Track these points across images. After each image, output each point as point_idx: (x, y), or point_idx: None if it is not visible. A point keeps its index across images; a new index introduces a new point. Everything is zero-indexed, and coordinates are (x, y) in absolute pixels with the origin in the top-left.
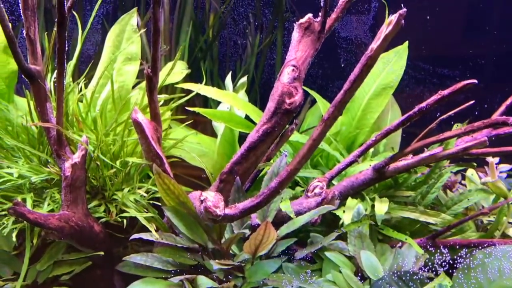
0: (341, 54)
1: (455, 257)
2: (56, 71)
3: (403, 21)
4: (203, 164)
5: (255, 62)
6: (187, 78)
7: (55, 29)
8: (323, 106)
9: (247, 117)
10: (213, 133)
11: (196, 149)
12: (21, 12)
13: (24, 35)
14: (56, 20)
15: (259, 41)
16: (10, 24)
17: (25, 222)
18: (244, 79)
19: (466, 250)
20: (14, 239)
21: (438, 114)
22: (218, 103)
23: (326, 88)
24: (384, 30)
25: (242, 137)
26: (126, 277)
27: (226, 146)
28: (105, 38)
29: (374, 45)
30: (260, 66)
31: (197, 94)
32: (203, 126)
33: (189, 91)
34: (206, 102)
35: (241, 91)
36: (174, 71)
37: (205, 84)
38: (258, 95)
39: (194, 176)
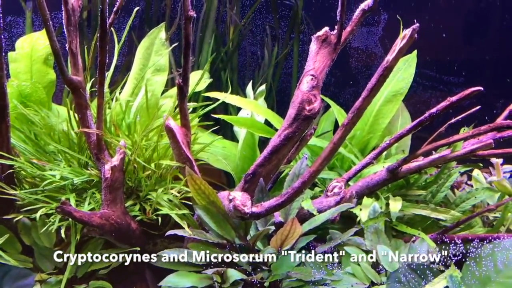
0: (353, 63)
1: (463, 251)
2: (97, 81)
3: (416, 35)
4: (228, 166)
5: (273, 72)
6: (209, 87)
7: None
8: (337, 112)
9: (266, 123)
10: (233, 138)
11: (220, 152)
12: (65, 27)
13: (67, 48)
14: (98, 35)
15: (276, 52)
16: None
17: (69, 219)
18: (262, 87)
19: (477, 242)
20: (63, 235)
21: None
22: (238, 109)
23: (339, 94)
24: (399, 43)
25: (261, 141)
26: (157, 271)
27: (247, 150)
28: (132, 49)
29: (390, 57)
30: (277, 75)
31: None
32: (224, 131)
33: (211, 98)
34: (226, 109)
35: (260, 98)
36: (197, 80)
37: (227, 92)
38: (275, 102)
39: (213, 180)
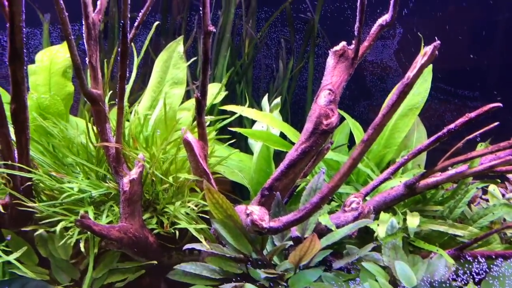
0: (367, 77)
1: (483, 267)
2: (117, 95)
3: (437, 52)
4: (244, 179)
5: (288, 84)
6: (224, 99)
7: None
8: (352, 125)
9: (281, 135)
10: (246, 149)
11: (235, 165)
12: (85, 41)
13: (87, 62)
14: (119, 49)
15: (292, 65)
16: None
17: (88, 232)
18: (277, 100)
19: (495, 258)
20: (82, 248)
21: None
22: (252, 122)
23: (353, 107)
24: (420, 60)
25: (276, 154)
26: (173, 285)
27: (262, 163)
28: (147, 61)
29: (411, 73)
30: (292, 88)
31: (234, 114)
32: (238, 143)
33: (227, 111)
34: (241, 121)
35: (275, 111)
36: (213, 92)
37: (241, 104)
38: (289, 114)
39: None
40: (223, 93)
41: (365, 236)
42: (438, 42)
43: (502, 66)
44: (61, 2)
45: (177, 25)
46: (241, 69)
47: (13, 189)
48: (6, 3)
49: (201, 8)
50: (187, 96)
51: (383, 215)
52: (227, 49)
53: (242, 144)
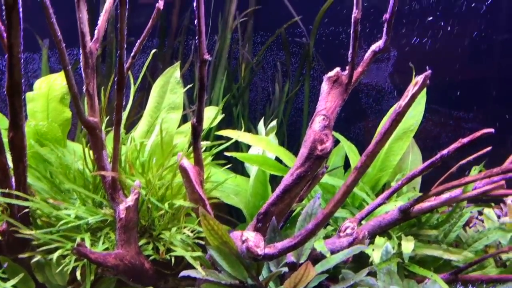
0: (362, 99)
1: None
2: (114, 123)
3: (428, 81)
4: (240, 203)
5: (284, 107)
6: (221, 122)
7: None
8: (347, 148)
9: (277, 159)
10: (243, 172)
11: (232, 189)
12: (82, 70)
13: (84, 90)
14: (116, 78)
15: (288, 88)
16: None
17: (84, 259)
18: (273, 123)
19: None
20: (78, 276)
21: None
22: (249, 145)
23: (349, 129)
24: (411, 90)
25: (273, 177)
26: None
27: (259, 186)
28: (145, 85)
29: (402, 102)
30: (288, 110)
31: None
32: (235, 166)
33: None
34: (238, 144)
35: (271, 134)
36: (210, 116)
37: (237, 127)
38: (286, 136)
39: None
40: (220, 116)
41: (361, 260)
42: (430, 71)
43: (497, 88)
44: (59, 33)
45: (174, 50)
46: (237, 92)
47: (10, 217)
48: (5, 35)
49: (196, 37)
50: (184, 119)
51: (378, 240)
52: (223, 73)
53: (239, 167)
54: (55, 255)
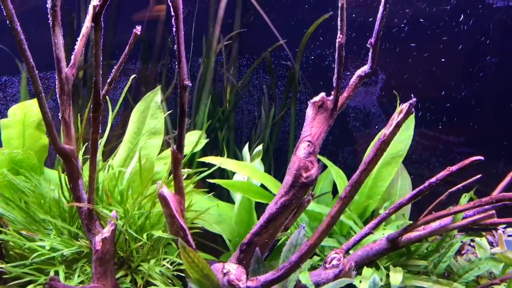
0: (350, 122)
1: None
2: (90, 152)
3: (413, 110)
4: (224, 232)
5: (270, 130)
6: (205, 146)
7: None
8: (335, 174)
9: (262, 185)
10: (228, 198)
11: (215, 218)
12: (58, 96)
13: (60, 117)
14: (91, 105)
15: (274, 112)
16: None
17: None
18: (259, 147)
19: None
20: None
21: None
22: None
23: (336, 153)
24: (396, 118)
25: (258, 204)
26: None
27: (243, 214)
28: (128, 108)
29: (387, 131)
30: (274, 134)
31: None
32: (220, 191)
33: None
34: (223, 169)
35: (257, 159)
36: (193, 140)
37: (223, 151)
38: (272, 160)
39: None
40: (204, 141)
41: None
42: (414, 99)
43: (488, 112)
44: (31, 60)
45: (157, 73)
46: (223, 116)
47: None
48: None
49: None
50: (167, 144)
51: (365, 270)
52: (208, 97)
53: (224, 192)
54: (29, 287)
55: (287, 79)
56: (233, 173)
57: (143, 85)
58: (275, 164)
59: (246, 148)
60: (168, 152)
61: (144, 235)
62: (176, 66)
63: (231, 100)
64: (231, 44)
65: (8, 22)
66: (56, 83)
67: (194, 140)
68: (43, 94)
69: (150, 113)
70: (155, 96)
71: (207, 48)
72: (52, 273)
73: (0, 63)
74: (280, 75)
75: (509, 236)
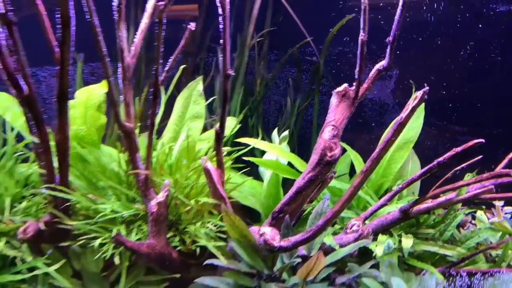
0: (366, 112)
1: (468, 283)
2: (149, 129)
3: (426, 96)
4: (256, 204)
5: (295, 119)
6: (237, 131)
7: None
8: (353, 157)
9: (289, 164)
10: (257, 177)
11: (248, 191)
12: (121, 81)
13: (122, 99)
14: (150, 90)
15: (298, 102)
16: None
17: (120, 248)
18: (286, 133)
19: (480, 275)
20: (117, 261)
21: None
22: (262, 152)
23: (354, 140)
24: (411, 103)
25: (284, 181)
26: None
27: (272, 189)
28: (168, 97)
29: (404, 114)
30: (298, 122)
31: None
32: (250, 171)
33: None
34: (252, 151)
35: (283, 143)
36: (228, 125)
37: (253, 136)
38: (296, 145)
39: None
40: (237, 127)
41: (364, 255)
42: (427, 88)
43: (490, 104)
44: (104, 49)
45: (195, 66)
46: (253, 104)
47: (54, 209)
48: (58, 50)
49: (221, 55)
50: (204, 129)
51: (380, 237)
52: (241, 87)
53: (253, 172)
54: (97, 242)
55: (310, 73)
56: (261, 156)
57: (183, 76)
58: (299, 148)
59: (275, 132)
60: (206, 135)
61: (192, 201)
62: (212, 60)
63: (260, 91)
64: (262, 41)
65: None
66: (120, 70)
67: (229, 125)
68: (112, 78)
69: (192, 99)
70: (197, 85)
71: (241, 44)
72: (115, 231)
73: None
74: (304, 70)
75: (506, 213)
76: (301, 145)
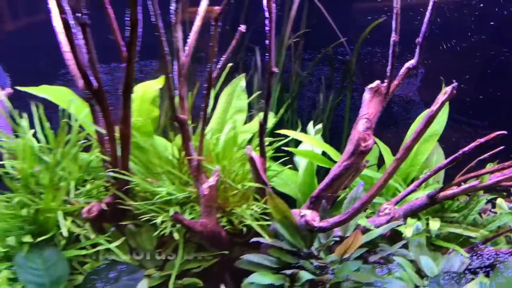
0: (394, 108)
1: (491, 262)
2: (202, 120)
3: (454, 91)
4: (294, 190)
5: (327, 114)
6: (274, 125)
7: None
8: (383, 149)
9: (323, 154)
10: (292, 167)
11: (285, 179)
12: (177, 78)
13: (177, 94)
14: (205, 85)
15: (331, 98)
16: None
17: (177, 225)
18: (319, 126)
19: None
20: (177, 236)
21: None
22: (296, 143)
23: (382, 134)
24: (441, 97)
25: (317, 171)
26: (235, 273)
27: (307, 177)
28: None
29: (434, 107)
30: (330, 117)
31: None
32: (285, 161)
33: (277, 134)
34: (287, 143)
35: (317, 135)
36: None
37: (289, 128)
38: (328, 138)
39: None
40: (274, 120)
41: (394, 237)
42: (456, 83)
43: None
44: (166, 48)
45: (235, 64)
46: (288, 100)
47: (117, 191)
48: (125, 49)
49: (267, 54)
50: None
51: (410, 220)
52: (277, 84)
53: (288, 162)
54: (158, 219)
55: (342, 71)
56: (296, 147)
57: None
58: (331, 141)
59: (311, 125)
60: (248, 127)
61: (239, 185)
62: (251, 60)
63: (295, 88)
64: (298, 41)
65: (154, 20)
66: (176, 67)
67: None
68: (171, 75)
69: (235, 95)
70: (240, 81)
71: (279, 44)
72: (172, 211)
73: (111, 52)
74: (336, 68)
75: None
76: (333, 138)
